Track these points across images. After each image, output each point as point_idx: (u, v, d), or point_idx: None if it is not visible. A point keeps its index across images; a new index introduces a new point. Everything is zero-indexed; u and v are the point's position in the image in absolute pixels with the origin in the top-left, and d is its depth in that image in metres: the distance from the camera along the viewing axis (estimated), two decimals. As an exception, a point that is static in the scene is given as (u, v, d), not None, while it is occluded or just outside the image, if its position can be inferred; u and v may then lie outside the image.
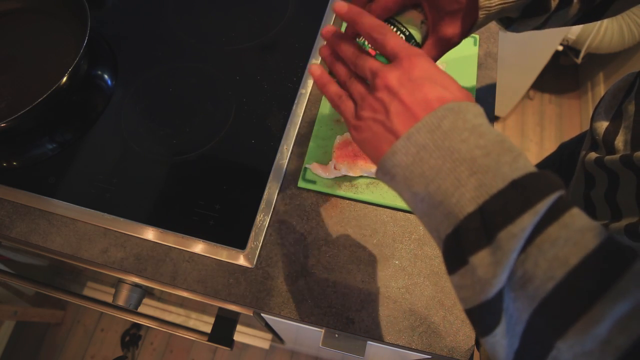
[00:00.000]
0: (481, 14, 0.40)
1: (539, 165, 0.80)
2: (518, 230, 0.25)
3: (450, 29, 0.41)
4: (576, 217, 0.25)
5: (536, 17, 0.44)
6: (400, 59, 0.32)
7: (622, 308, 0.23)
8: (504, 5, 0.40)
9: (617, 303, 0.23)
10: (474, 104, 0.30)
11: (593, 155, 0.52)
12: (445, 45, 0.42)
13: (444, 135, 0.29)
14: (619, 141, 0.49)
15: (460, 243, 0.27)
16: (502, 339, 0.27)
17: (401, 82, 0.31)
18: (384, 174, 0.32)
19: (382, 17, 0.41)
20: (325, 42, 0.39)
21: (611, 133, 0.50)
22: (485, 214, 0.26)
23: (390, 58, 0.34)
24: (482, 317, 0.27)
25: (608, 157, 0.47)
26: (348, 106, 0.36)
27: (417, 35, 0.42)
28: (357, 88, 0.35)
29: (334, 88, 0.38)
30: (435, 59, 0.43)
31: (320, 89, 0.39)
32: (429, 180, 0.28)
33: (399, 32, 0.41)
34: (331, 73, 0.41)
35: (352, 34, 0.41)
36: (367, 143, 0.33)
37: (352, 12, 0.36)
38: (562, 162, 0.75)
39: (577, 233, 0.25)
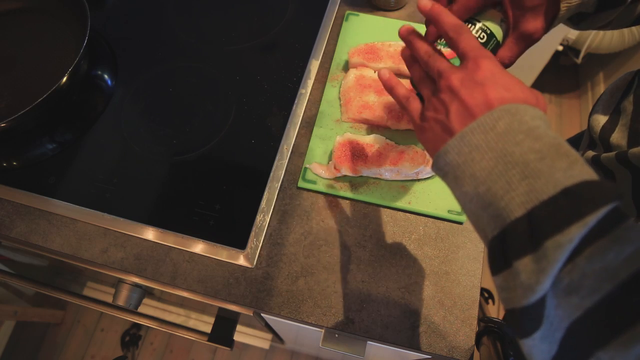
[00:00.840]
0: (563, 6, 0.40)
1: None
2: (565, 241, 0.24)
3: (532, 24, 0.41)
4: (630, 230, 0.24)
5: (610, 11, 0.43)
6: (466, 61, 0.33)
7: None
8: None
9: None
10: (533, 107, 0.30)
11: (590, 153, 0.52)
12: (527, 41, 0.42)
13: (498, 137, 0.28)
14: (615, 138, 0.49)
15: (506, 246, 0.27)
16: (541, 344, 0.27)
17: (463, 83, 0.31)
18: (437, 170, 0.33)
19: (463, 17, 0.42)
20: (405, 44, 0.40)
21: (608, 130, 0.50)
22: (533, 220, 0.25)
23: (460, 58, 0.34)
24: (523, 320, 0.27)
25: (604, 155, 0.47)
26: (415, 107, 0.37)
27: (499, 33, 0.43)
28: (426, 88, 0.36)
29: (402, 90, 0.39)
30: (517, 55, 0.43)
31: (388, 91, 0.41)
32: (480, 181, 0.28)
33: (480, 31, 0.42)
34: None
35: (432, 38, 0.42)
36: (428, 142, 0.34)
37: (434, 10, 0.36)
38: None
39: (629, 247, 0.24)
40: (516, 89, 0.31)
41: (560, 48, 1.48)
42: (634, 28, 1.37)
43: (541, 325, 0.27)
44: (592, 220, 0.24)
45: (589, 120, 0.56)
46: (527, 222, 0.26)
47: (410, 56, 0.40)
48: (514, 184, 0.27)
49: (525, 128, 0.28)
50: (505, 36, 0.43)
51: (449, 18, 0.35)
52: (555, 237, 0.24)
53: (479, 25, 0.42)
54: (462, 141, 0.30)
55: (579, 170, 0.26)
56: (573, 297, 0.25)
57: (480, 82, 0.31)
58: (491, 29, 0.42)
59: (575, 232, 0.24)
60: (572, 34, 1.44)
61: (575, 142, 0.72)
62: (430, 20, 0.37)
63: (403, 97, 0.38)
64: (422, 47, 0.37)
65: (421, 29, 0.71)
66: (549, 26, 0.42)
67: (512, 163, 0.27)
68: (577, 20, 0.46)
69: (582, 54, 1.49)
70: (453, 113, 0.31)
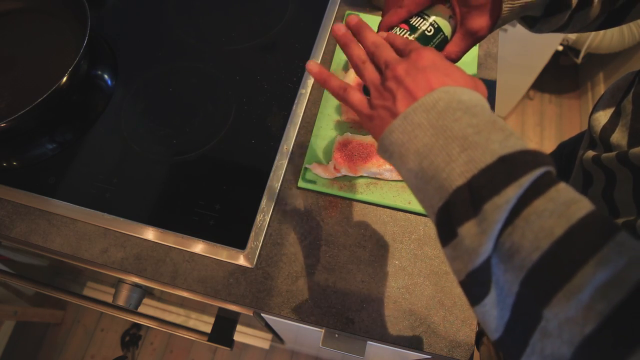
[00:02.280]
0: (505, 7, 0.42)
1: None
2: (503, 202, 0.26)
3: (477, 22, 0.43)
4: (562, 191, 0.26)
5: (558, 15, 0.45)
6: (409, 53, 0.36)
7: (603, 275, 0.23)
8: (527, 0, 0.42)
9: (598, 271, 0.24)
10: (471, 90, 0.32)
11: (591, 153, 0.52)
12: (473, 38, 0.45)
13: (439, 115, 0.30)
14: (615, 138, 0.49)
15: (450, 216, 0.28)
16: (492, 309, 0.28)
17: (408, 71, 0.33)
18: (383, 152, 0.34)
19: (413, 11, 0.44)
20: (341, 23, 0.41)
21: (608, 130, 0.51)
22: (473, 187, 0.27)
23: (401, 55, 0.37)
24: (471, 286, 0.28)
25: (605, 155, 0.48)
26: (358, 97, 0.37)
27: (446, 28, 0.45)
28: (372, 76, 0.37)
29: (336, 82, 0.39)
30: (464, 51, 0.46)
31: (321, 84, 0.40)
32: (423, 156, 0.30)
33: (429, 26, 0.44)
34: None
35: (384, 29, 0.45)
36: (376, 128, 0.35)
37: (377, 36, 0.40)
38: (562, 161, 0.75)
39: (563, 206, 0.26)
40: (456, 74, 0.33)
41: (560, 48, 1.48)
42: (634, 28, 1.37)
43: (489, 291, 0.28)
44: (526, 181, 0.26)
45: (589, 120, 0.57)
46: (468, 190, 0.27)
47: (345, 35, 0.40)
48: (454, 156, 0.28)
49: (463, 106, 0.30)
50: (453, 32, 0.46)
51: (372, 34, 0.39)
52: (493, 200, 0.26)
53: (427, 19, 0.45)
54: (405, 120, 0.31)
55: (513, 142, 0.28)
56: (516, 259, 0.26)
57: (422, 69, 0.33)
58: (439, 24, 0.45)
59: (512, 193, 0.26)
60: (572, 34, 1.44)
61: (575, 141, 0.72)
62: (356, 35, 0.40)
63: (340, 89, 0.39)
64: (370, 37, 0.39)
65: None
66: (493, 25, 0.44)
67: (451, 137, 0.29)
68: (531, 22, 0.48)
69: (582, 54, 1.49)
70: (399, 99, 0.33)
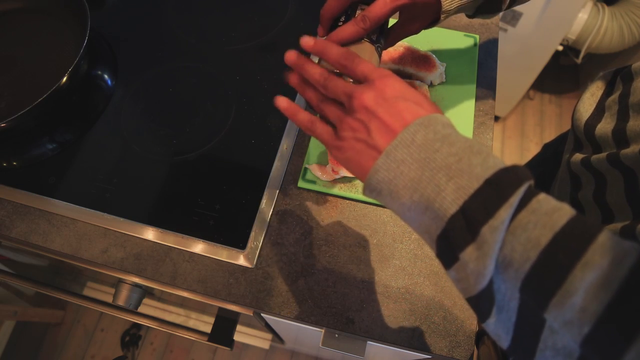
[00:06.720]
0: (442, 16, 0.47)
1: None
2: (498, 223, 0.27)
3: (415, 27, 0.49)
4: (543, 201, 0.28)
5: (489, 15, 0.51)
6: (372, 80, 0.34)
7: (591, 278, 0.25)
8: (461, 5, 0.47)
9: (586, 274, 0.25)
10: (442, 115, 0.33)
11: (579, 156, 0.51)
12: (407, 36, 0.49)
13: (419, 149, 0.31)
14: (599, 131, 0.48)
15: (450, 242, 0.29)
16: (499, 314, 0.30)
17: (377, 101, 0.33)
18: (371, 191, 0.34)
19: (343, 5, 0.43)
20: (292, 69, 0.40)
21: (591, 126, 0.51)
22: (466, 213, 0.28)
23: (361, 80, 0.36)
24: (481, 303, 0.30)
25: (595, 157, 0.47)
26: (325, 129, 0.37)
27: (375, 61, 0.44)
28: (333, 110, 0.36)
29: (304, 115, 0.39)
30: (394, 43, 0.50)
31: (291, 119, 0.40)
32: (412, 190, 0.31)
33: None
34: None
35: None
36: (351, 161, 0.34)
37: (318, 45, 0.38)
38: (546, 162, 0.74)
39: (545, 216, 0.27)
40: (425, 102, 0.33)
41: (560, 48, 1.48)
42: (633, 28, 1.37)
43: (495, 302, 0.30)
44: (515, 200, 0.27)
45: (572, 120, 0.56)
46: (462, 216, 0.28)
47: (299, 82, 0.40)
48: (442, 186, 0.29)
49: (440, 136, 0.31)
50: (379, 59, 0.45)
51: (336, 49, 0.37)
52: (489, 223, 0.27)
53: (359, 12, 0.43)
54: (388, 158, 0.31)
55: (492, 162, 0.29)
56: (510, 270, 0.28)
57: (393, 100, 0.33)
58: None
59: (505, 214, 0.27)
60: (572, 33, 1.44)
61: (558, 143, 0.71)
62: (317, 54, 0.39)
63: (308, 122, 0.38)
64: (315, 71, 0.38)
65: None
66: (427, 27, 0.49)
67: (436, 169, 0.30)
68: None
69: (582, 54, 1.49)
70: (374, 131, 0.32)
